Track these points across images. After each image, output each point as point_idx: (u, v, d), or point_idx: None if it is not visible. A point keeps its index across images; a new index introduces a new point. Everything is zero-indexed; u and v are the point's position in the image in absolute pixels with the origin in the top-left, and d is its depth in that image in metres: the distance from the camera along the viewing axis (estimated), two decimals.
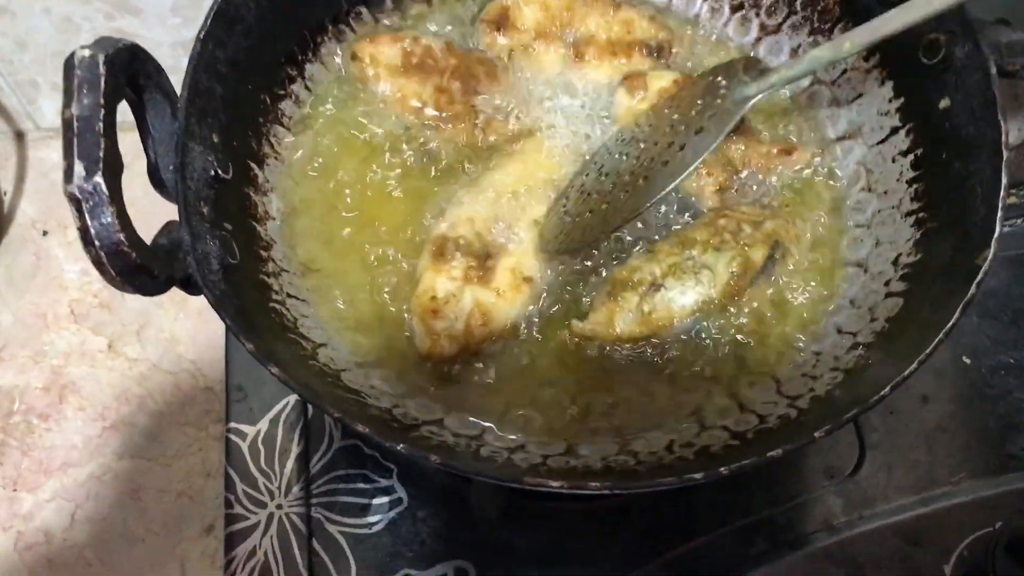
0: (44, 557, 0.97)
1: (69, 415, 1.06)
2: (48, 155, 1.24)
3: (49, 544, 0.98)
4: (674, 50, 0.87)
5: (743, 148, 0.79)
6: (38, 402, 1.07)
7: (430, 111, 0.81)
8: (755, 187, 0.79)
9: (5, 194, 1.21)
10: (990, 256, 0.63)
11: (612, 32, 0.85)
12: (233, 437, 0.93)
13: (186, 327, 1.11)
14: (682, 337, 0.73)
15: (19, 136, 1.25)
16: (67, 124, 0.58)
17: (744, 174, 0.79)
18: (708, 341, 0.73)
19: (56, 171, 1.23)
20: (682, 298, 0.71)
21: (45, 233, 1.18)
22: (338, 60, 0.84)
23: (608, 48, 0.84)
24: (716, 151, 0.75)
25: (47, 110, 1.22)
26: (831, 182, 0.81)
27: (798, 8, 0.85)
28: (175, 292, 1.10)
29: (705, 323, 0.73)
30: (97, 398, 1.07)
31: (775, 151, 0.80)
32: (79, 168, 0.57)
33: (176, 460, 1.02)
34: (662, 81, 0.81)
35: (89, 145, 0.57)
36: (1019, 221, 1.03)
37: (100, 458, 1.03)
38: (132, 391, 1.07)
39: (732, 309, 0.73)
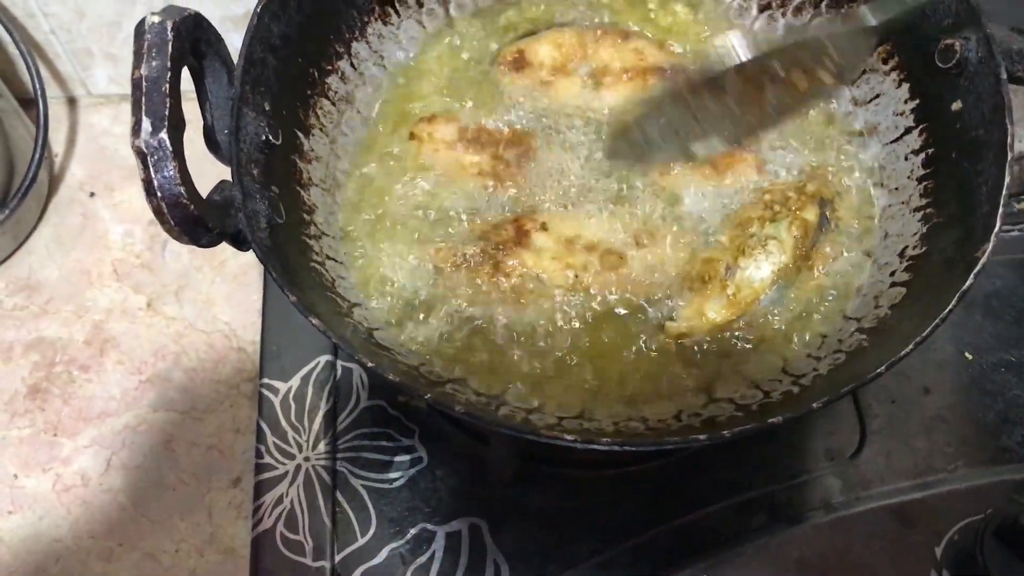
0: (80, 499, 1.02)
1: (108, 368, 1.11)
2: (99, 121, 1.30)
3: (85, 487, 1.03)
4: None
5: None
6: (79, 354, 1.12)
7: (488, 179, 0.84)
8: (786, 150, 0.84)
9: (56, 156, 1.26)
10: (989, 249, 0.66)
11: (626, 61, 0.89)
12: (266, 392, 0.98)
13: (222, 290, 1.16)
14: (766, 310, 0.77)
15: (71, 102, 1.31)
16: (136, 84, 0.63)
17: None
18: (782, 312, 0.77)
19: (105, 136, 1.29)
20: (759, 272, 0.76)
21: (92, 195, 1.23)
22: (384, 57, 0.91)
23: (623, 75, 0.88)
24: None
25: (100, 77, 1.27)
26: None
27: (823, 10, 0.89)
28: (213, 257, 1.17)
29: (787, 291, 0.77)
30: (135, 353, 1.12)
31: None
32: (146, 124, 0.62)
33: (207, 415, 1.07)
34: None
35: (156, 104, 0.62)
36: None
37: (136, 409, 1.08)
38: (169, 348, 1.12)
39: (805, 271, 0.78)
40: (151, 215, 1.19)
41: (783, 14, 0.91)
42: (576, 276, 0.77)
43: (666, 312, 0.76)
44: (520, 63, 0.89)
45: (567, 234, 0.79)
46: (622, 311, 0.77)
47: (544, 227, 0.79)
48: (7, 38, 1.14)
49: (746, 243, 0.76)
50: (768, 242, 0.76)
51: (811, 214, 0.78)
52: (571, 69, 0.88)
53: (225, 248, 1.15)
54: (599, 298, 0.77)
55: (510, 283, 0.77)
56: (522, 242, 0.78)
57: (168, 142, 0.61)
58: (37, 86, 1.15)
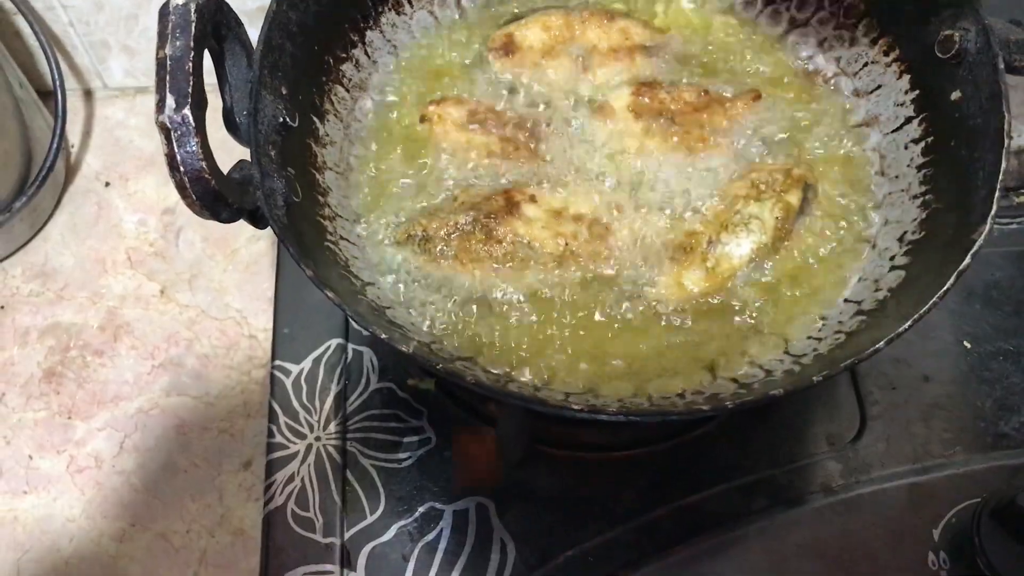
0: (93, 480, 1.04)
1: (122, 353, 1.13)
2: (114, 112, 1.32)
3: (99, 468, 1.05)
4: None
5: (724, 108, 0.86)
6: (94, 340, 1.14)
7: (497, 159, 0.86)
8: (747, 140, 0.86)
9: (72, 147, 1.29)
10: (985, 231, 0.68)
11: (612, 41, 0.91)
12: (278, 374, 1.00)
13: (234, 278, 1.18)
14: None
15: (88, 94, 1.33)
16: (160, 63, 0.65)
17: (735, 132, 0.86)
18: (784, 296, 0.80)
19: (120, 128, 1.31)
20: (739, 249, 0.79)
21: (107, 185, 1.26)
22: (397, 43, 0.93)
23: (611, 55, 0.91)
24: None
25: (116, 70, 1.30)
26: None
27: (826, 4, 0.91)
28: (225, 246, 1.19)
29: (762, 269, 0.80)
30: (148, 339, 1.14)
31: (747, 100, 0.87)
32: (170, 101, 0.64)
33: (219, 400, 1.09)
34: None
35: (179, 82, 0.64)
36: None
37: (149, 394, 1.10)
38: (181, 334, 1.14)
39: (781, 253, 0.80)
40: (165, 205, 1.23)
41: (787, 8, 0.93)
42: (566, 244, 0.79)
43: (648, 280, 0.79)
44: (510, 47, 0.91)
45: (555, 206, 0.81)
46: (612, 280, 0.80)
47: (533, 199, 0.81)
48: (28, 31, 1.17)
49: (730, 220, 0.79)
50: (751, 221, 0.79)
51: (794, 198, 0.80)
52: (560, 50, 0.91)
53: (237, 237, 1.19)
54: (591, 267, 0.80)
55: (502, 250, 0.79)
56: (512, 211, 0.80)
57: (191, 118, 0.63)
58: (56, 78, 1.17)
